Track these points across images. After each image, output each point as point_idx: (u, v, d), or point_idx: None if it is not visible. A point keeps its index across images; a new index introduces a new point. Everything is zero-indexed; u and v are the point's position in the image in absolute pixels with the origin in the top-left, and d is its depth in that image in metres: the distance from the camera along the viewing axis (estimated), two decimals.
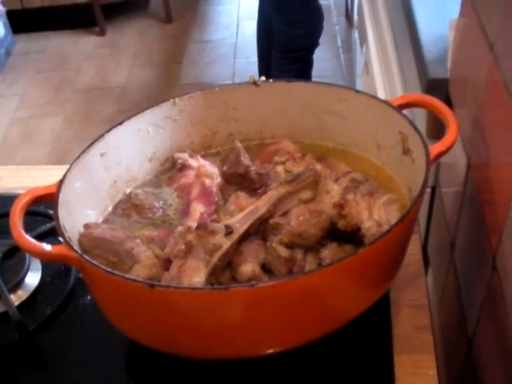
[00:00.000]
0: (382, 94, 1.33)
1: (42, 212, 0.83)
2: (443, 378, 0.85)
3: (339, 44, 2.82)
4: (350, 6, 2.78)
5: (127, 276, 0.60)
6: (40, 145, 2.46)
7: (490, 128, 0.67)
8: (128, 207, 0.72)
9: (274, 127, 0.80)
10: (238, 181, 0.72)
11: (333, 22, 2.97)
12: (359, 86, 1.91)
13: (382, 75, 1.38)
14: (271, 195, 0.65)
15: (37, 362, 0.69)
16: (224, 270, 0.61)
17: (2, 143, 2.49)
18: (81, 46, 3.06)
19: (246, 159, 0.72)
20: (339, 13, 3.01)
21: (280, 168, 0.73)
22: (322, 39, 2.17)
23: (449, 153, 0.65)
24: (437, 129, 0.82)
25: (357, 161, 0.76)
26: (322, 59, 2.66)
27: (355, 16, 2.12)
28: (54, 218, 0.62)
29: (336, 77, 2.59)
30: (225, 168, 0.74)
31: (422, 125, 0.87)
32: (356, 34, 1.90)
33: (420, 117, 0.89)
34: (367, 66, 1.63)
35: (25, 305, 0.74)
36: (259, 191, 0.71)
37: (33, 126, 2.57)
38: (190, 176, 0.74)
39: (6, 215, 0.63)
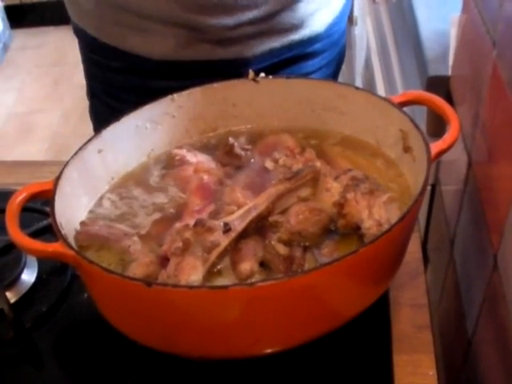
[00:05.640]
0: (381, 92, 1.33)
1: (39, 209, 0.82)
2: (442, 378, 0.85)
3: None
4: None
5: (124, 274, 0.59)
6: (37, 140, 2.45)
7: (492, 126, 0.67)
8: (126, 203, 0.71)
9: (272, 123, 0.79)
10: (227, 160, 0.73)
11: None
12: (359, 83, 1.90)
13: (382, 72, 1.38)
14: (270, 192, 0.64)
15: (33, 360, 0.68)
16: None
17: None
18: None
19: (231, 139, 0.73)
20: None
21: (280, 163, 0.72)
22: None
23: (449, 150, 0.65)
24: (437, 127, 0.82)
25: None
26: None
27: (355, 13, 2.11)
28: (50, 215, 0.61)
29: None
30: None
31: (422, 123, 0.86)
32: (356, 31, 1.90)
33: (420, 115, 0.89)
34: (367, 63, 1.62)
35: (21, 302, 0.73)
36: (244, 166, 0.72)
37: (30, 122, 2.55)
38: (187, 171, 0.73)
39: (2, 212, 0.62)
